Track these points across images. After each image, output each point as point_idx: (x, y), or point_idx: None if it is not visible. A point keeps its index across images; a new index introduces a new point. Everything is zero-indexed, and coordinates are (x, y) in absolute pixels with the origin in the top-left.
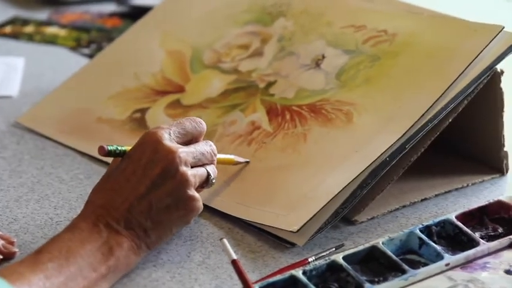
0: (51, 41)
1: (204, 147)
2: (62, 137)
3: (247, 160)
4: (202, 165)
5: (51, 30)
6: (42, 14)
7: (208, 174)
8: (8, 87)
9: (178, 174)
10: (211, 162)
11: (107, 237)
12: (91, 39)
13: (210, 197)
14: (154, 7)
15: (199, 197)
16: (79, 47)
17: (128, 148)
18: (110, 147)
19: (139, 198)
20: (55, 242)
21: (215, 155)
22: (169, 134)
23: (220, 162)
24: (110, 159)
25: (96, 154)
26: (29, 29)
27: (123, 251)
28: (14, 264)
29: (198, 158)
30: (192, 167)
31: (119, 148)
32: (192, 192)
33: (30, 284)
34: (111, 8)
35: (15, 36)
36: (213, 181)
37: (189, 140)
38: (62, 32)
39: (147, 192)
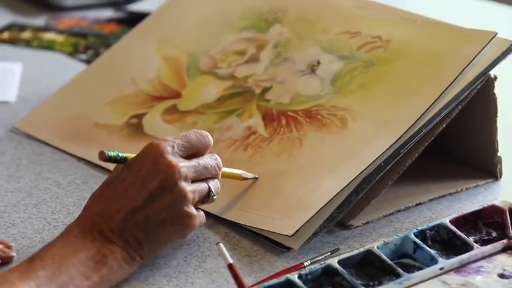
0: (49, 46)
1: (208, 161)
2: (59, 142)
3: (256, 176)
4: (205, 180)
5: (49, 36)
6: (40, 20)
7: (210, 190)
8: (6, 92)
9: (177, 190)
10: (215, 177)
11: (100, 245)
12: (88, 45)
13: None
14: (151, 13)
15: (196, 214)
16: (76, 53)
17: (129, 155)
18: (110, 153)
19: (135, 209)
20: (48, 248)
21: (219, 169)
22: (173, 148)
23: (228, 176)
24: (108, 165)
25: (93, 159)
26: (26, 34)
27: (117, 260)
28: (6, 272)
29: (201, 172)
30: (193, 181)
31: (120, 154)
32: (190, 209)
33: None
34: (108, 14)
35: (12, 42)
36: (214, 197)
37: (194, 153)
38: (60, 38)
39: (144, 204)
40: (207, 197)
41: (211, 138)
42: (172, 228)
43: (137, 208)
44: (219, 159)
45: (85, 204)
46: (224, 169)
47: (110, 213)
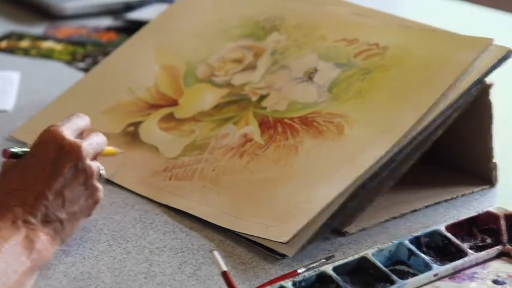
0: (47, 55)
1: (99, 138)
2: None
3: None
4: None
5: (47, 44)
6: (38, 29)
7: (99, 169)
8: (4, 101)
9: (87, 167)
10: (101, 153)
11: (26, 232)
12: (86, 53)
13: (201, 209)
14: (150, 22)
15: (101, 188)
16: (74, 61)
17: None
18: (13, 150)
19: (54, 192)
20: None
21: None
22: (68, 130)
23: (105, 154)
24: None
25: None
26: (24, 43)
27: (43, 244)
28: None
29: (96, 150)
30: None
31: (22, 149)
32: (97, 183)
33: None
34: (107, 22)
35: (11, 50)
36: (104, 176)
37: (80, 134)
38: (58, 46)
39: (61, 186)
40: (99, 175)
41: (88, 118)
42: (85, 203)
43: (55, 191)
44: (104, 137)
45: None
46: None
47: (29, 202)
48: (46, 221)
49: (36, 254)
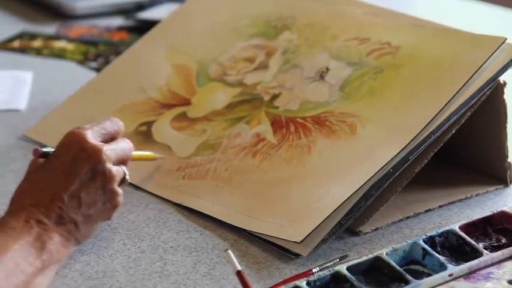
0: (59, 55)
1: (125, 144)
2: None
3: (162, 156)
4: (119, 164)
5: (59, 44)
6: (50, 28)
7: (125, 173)
8: (17, 101)
9: (106, 171)
10: (128, 159)
11: (38, 232)
12: (98, 53)
13: (214, 208)
14: (161, 21)
15: (121, 192)
16: (87, 61)
17: None
18: (44, 149)
19: (69, 194)
20: None
21: (132, 151)
22: (93, 133)
23: (141, 159)
24: None
25: None
26: (37, 43)
27: (55, 245)
28: None
29: (120, 155)
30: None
31: (51, 149)
32: (116, 187)
33: None
34: (118, 22)
35: (23, 50)
36: (128, 180)
37: (109, 138)
38: (70, 46)
39: (77, 188)
40: (123, 179)
41: (121, 123)
42: (103, 207)
43: (71, 193)
44: (131, 143)
45: (13, 199)
46: (135, 152)
47: (43, 203)
48: (60, 222)
49: (47, 255)
